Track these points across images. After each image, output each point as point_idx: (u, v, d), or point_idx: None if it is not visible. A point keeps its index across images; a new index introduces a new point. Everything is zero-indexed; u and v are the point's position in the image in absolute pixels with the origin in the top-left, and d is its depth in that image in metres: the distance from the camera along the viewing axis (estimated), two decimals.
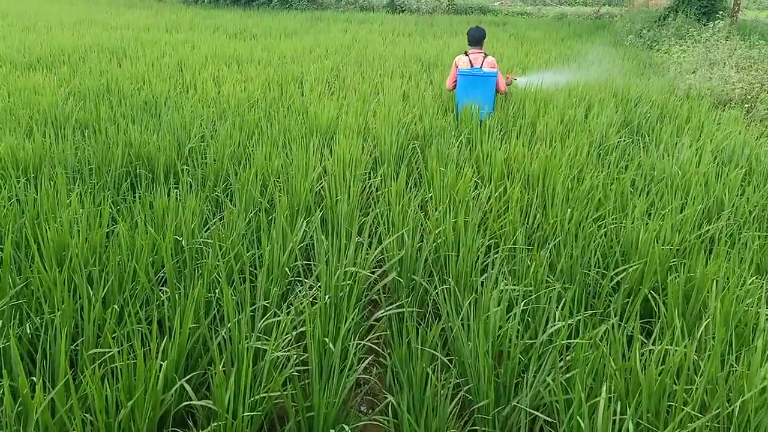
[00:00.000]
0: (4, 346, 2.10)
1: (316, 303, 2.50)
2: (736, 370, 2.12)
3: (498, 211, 3.42)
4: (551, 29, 15.24)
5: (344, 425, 2.06)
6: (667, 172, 4.04)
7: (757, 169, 4.24)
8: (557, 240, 3.08)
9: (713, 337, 2.27)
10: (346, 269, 2.66)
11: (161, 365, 2.01)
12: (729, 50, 8.57)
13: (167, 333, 2.24)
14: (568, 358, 2.25)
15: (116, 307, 2.34)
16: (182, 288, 2.57)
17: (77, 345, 2.26)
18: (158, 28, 12.72)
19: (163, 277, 2.77)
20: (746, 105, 6.45)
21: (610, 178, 3.95)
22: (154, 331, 2.06)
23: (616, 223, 3.27)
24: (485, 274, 2.80)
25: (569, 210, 3.25)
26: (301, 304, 2.51)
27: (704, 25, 11.22)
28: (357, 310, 2.57)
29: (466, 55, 5.43)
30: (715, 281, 2.54)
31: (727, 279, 2.63)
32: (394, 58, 9.20)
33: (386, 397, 2.31)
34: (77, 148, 4.23)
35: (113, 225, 3.19)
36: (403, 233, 3.01)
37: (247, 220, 3.21)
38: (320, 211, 3.39)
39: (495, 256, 2.98)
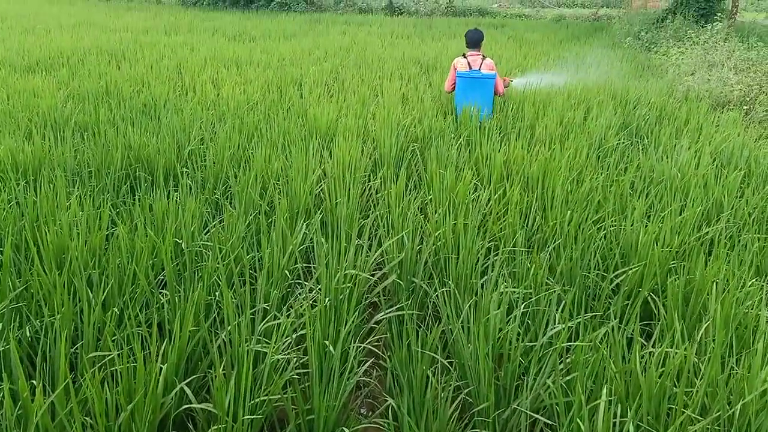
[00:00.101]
0: (4, 349, 2.10)
1: (316, 306, 2.49)
2: (736, 372, 2.12)
3: (497, 213, 3.42)
4: (549, 31, 15.26)
5: (344, 428, 2.06)
6: (666, 174, 4.04)
7: (756, 171, 4.25)
8: (557, 242, 3.09)
9: (713, 340, 2.27)
10: (346, 272, 2.66)
11: (161, 368, 2.01)
12: (727, 52, 8.59)
13: (167, 336, 2.24)
14: (568, 360, 2.25)
15: (116, 310, 2.34)
16: (182, 291, 2.57)
17: (77, 348, 2.26)
18: (157, 31, 12.73)
19: (162, 279, 2.77)
20: (745, 107, 6.45)
21: (610, 180, 3.96)
22: (154, 334, 2.06)
23: (615, 225, 3.27)
24: (485, 277, 2.80)
25: (569, 212, 3.26)
26: (301, 306, 2.51)
27: (702, 27, 11.23)
28: (357, 312, 2.57)
29: (465, 57, 5.43)
30: (714, 283, 2.54)
31: (727, 281, 2.63)
32: (393, 60, 9.20)
33: (386, 400, 2.31)
34: (76, 151, 4.23)
35: (113, 228, 3.19)
36: (402, 236, 3.01)
37: (247, 222, 3.21)
38: (320, 213, 3.39)
39: (495, 258, 2.98)
